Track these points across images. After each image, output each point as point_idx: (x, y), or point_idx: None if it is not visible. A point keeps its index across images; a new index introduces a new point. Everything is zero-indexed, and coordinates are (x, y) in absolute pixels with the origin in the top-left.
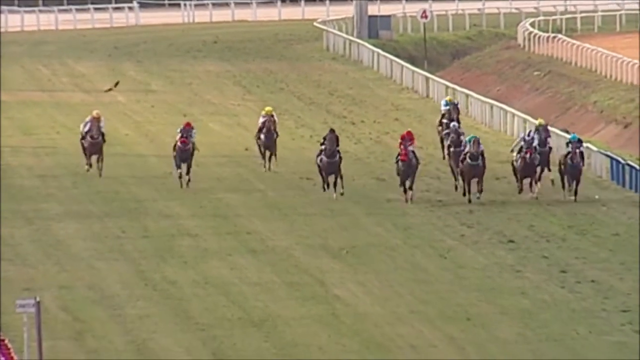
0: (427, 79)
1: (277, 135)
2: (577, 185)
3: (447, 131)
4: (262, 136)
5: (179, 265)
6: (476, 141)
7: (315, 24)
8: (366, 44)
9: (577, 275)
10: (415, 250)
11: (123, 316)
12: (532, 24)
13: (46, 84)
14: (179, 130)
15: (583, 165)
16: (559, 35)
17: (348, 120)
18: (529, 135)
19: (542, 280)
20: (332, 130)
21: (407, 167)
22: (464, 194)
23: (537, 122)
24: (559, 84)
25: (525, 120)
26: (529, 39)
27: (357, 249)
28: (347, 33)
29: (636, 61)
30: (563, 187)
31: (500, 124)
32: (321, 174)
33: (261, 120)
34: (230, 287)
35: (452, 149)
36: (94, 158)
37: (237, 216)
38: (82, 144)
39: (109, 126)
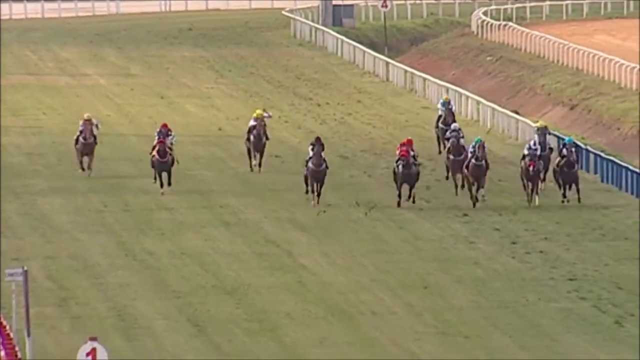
0: (387, 63)
1: (268, 139)
2: (576, 189)
3: (448, 137)
4: (252, 138)
5: (157, 237)
6: (481, 146)
7: (283, 12)
8: (330, 31)
9: (526, 246)
10: (376, 223)
11: (105, 284)
12: (485, 13)
13: (33, 68)
14: (156, 132)
15: (577, 161)
16: (510, 23)
17: (314, 102)
18: (534, 145)
19: (494, 251)
20: (317, 139)
21: (408, 173)
22: (471, 197)
23: (536, 124)
24: (510, 69)
25: (478, 102)
26: (482, 27)
27: (322, 222)
28: (312, 21)
29: (580, 47)
30: (560, 188)
31: (455, 105)
32: (306, 182)
33: (252, 123)
34: (204, 258)
35: (450, 157)
36: (86, 160)
37: (211, 191)
38: (76, 147)
39: (90, 107)
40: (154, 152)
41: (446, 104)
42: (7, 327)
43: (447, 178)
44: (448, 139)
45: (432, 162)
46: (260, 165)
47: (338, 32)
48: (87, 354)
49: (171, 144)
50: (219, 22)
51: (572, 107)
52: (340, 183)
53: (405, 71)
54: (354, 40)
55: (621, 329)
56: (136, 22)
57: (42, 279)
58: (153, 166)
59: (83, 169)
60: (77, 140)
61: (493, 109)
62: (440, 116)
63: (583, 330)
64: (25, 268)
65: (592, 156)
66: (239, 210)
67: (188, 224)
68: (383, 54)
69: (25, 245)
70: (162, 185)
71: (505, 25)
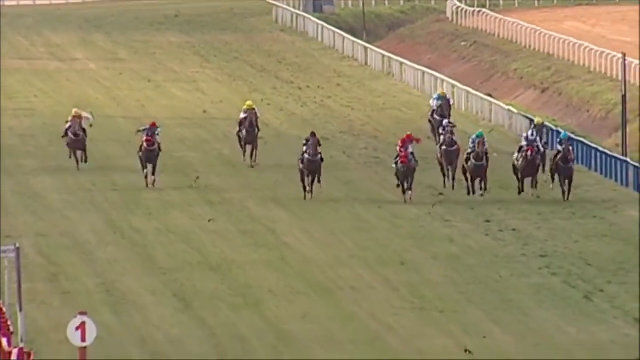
0: (365, 48)
1: (259, 130)
2: (569, 185)
3: (441, 131)
4: (244, 131)
5: (145, 216)
6: (481, 141)
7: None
8: (311, 17)
9: (500, 224)
10: (356, 202)
11: (94, 261)
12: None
13: (25, 53)
14: (143, 129)
15: (573, 161)
16: (484, 10)
17: (295, 86)
18: (532, 135)
19: (468, 228)
20: (313, 134)
21: (407, 169)
22: (468, 193)
23: (535, 120)
24: (484, 53)
25: (453, 86)
26: (457, 13)
27: (303, 201)
28: (294, 8)
29: (551, 33)
30: (552, 180)
31: (431, 88)
32: (302, 174)
33: (242, 115)
34: (190, 235)
35: (444, 148)
36: (79, 155)
37: (196, 171)
38: (64, 141)
39: (79, 91)
40: (142, 143)
41: (442, 97)
42: (0, 302)
43: (442, 172)
44: (442, 133)
45: None
46: (255, 158)
47: (318, 18)
48: (77, 328)
49: (157, 134)
50: (204, 8)
51: (543, 90)
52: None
53: (383, 56)
54: (333, 26)
55: (590, 303)
56: (124, 8)
57: (33, 256)
58: (141, 157)
59: (78, 163)
60: (66, 133)
61: (467, 92)
62: (434, 109)
63: (554, 305)
64: (18, 245)
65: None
66: (223, 190)
67: (174, 203)
68: (362, 39)
69: (17, 223)
70: (146, 176)
71: (479, 12)
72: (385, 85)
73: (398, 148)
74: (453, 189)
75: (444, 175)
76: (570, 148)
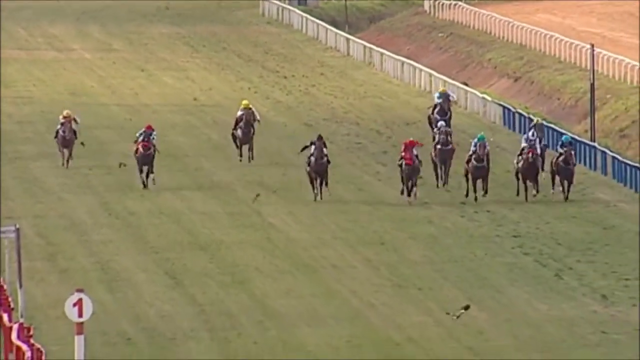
0: (347, 40)
1: (254, 130)
2: (569, 185)
3: (435, 131)
4: (239, 130)
5: (138, 198)
6: (482, 144)
7: None
8: (296, 10)
9: (474, 206)
10: (338, 185)
11: (89, 241)
12: None
13: (24, 43)
14: (139, 133)
15: (574, 165)
16: (460, 3)
17: (280, 75)
18: (533, 136)
19: (445, 210)
20: (319, 137)
21: (411, 170)
22: (467, 195)
23: (534, 120)
24: (459, 44)
25: (430, 75)
26: (434, 6)
27: (288, 184)
28: (280, 1)
29: (524, 24)
30: (553, 186)
31: (410, 77)
32: (310, 176)
33: (239, 113)
34: (180, 216)
35: (439, 147)
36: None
37: (186, 156)
38: (56, 141)
39: (75, 79)
40: (138, 146)
41: (443, 95)
42: (1, 280)
43: (435, 171)
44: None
45: (388, 130)
46: (252, 157)
47: (303, 11)
48: (74, 304)
49: (152, 138)
50: (193, 2)
51: (516, 79)
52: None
53: (364, 47)
54: (317, 18)
55: (560, 281)
56: (118, 1)
57: (32, 236)
58: (137, 160)
59: (65, 164)
60: (57, 134)
61: (444, 81)
62: (435, 106)
63: (526, 283)
64: (18, 226)
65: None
66: (212, 173)
67: (166, 185)
68: (344, 31)
69: (17, 205)
70: (145, 185)
71: (455, 5)
72: (366, 74)
73: (401, 151)
74: (444, 186)
75: (436, 174)
76: (572, 152)
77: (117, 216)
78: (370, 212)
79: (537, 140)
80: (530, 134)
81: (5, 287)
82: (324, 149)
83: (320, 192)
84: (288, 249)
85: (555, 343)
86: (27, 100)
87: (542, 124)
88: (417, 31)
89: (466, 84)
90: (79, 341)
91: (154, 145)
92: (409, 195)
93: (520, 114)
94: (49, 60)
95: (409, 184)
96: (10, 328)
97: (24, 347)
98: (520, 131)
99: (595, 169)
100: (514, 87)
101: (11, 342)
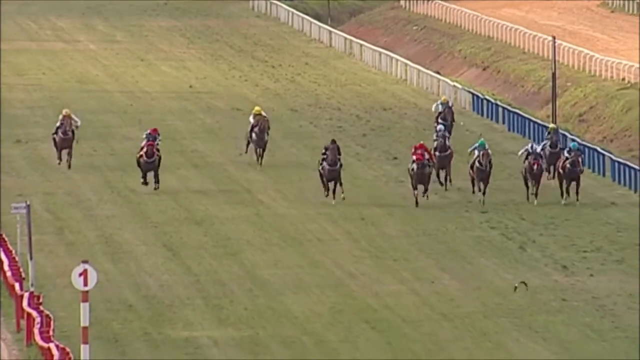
0: (330, 32)
1: (269, 135)
2: (577, 187)
3: (434, 137)
4: (254, 135)
5: (138, 177)
6: (486, 154)
7: None
8: (283, 4)
9: (448, 185)
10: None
11: (94, 216)
12: None
13: (34, 35)
14: (144, 135)
15: (582, 171)
16: None
17: (269, 64)
18: (531, 148)
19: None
20: (333, 141)
21: (422, 167)
22: (474, 192)
23: (550, 126)
24: (432, 36)
25: (406, 64)
26: (409, 1)
27: (276, 165)
28: None
29: (491, 18)
30: (562, 193)
31: (387, 67)
32: (322, 180)
33: (252, 120)
34: (177, 194)
35: (437, 154)
36: (64, 153)
37: (183, 138)
38: (54, 139)
39: (82, 69)
40: (142, 152)
41: (445, 104)
42: (13, 252)
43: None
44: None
45: (367, 115)
46: (262, 160)
47: (289, 6)
48: (80, 274)
49: (157, 143)
50: None
51: (484, 68)
52: (291, 132)
53: (345, 38)
54: (302, 12)
55: (524, 253)
56: None
57: (41, 212)
58: (139, 166)
59: (60, 159)
60: (56, 132)
61: (418, 70)
62: (440, 113)
63: (493, 254)
64: (28, 202)
65: (500, 109)
66: (206, 154)
67: (164, 165)
68: (326, 24)
69: (27, 183)
70: (147, 184)
71: (429, 0)
72: (347, 64)
73: (412, 154)
74: (446, 189)
75: (438, 177)
76: (580, 158)
77: (120, 194)
78: (351, 190)
79: (549, 144)
80: (530, 145)
81: (17, 258)
82: (338, 155)
83: (334, 193)
84: (276, 223)
85: (520, 309)
86: (37, 87)
87: (557, 129)
88: (393, 24)
89: (438, 73)
90: (84, 308)
91: (158, 150)
92: (416, 192)
93: (488, 100)
94: (57, 50)
95: (420, 185)
96: (22, 296)
97: (34, 313)
98: (487, 116)
99: None
100: (482, 75)
101: (22, 309)
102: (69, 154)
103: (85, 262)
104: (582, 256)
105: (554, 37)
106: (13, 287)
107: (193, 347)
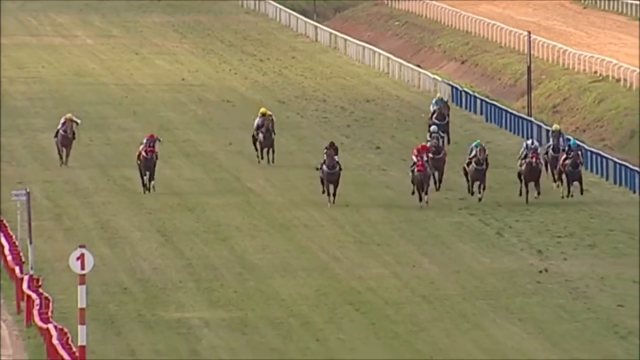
0: (315, 27)
1: (275, 134)
2: (580, 184)
3: (428, 138)
4: (260, 135)
5: (132, 166)
6: (482, 149)
7: None
8: (271, 1)
9: None
10: (307, 154)
11: (91, 203)
12: None
13: (34, 31)
14: (144, 140)
15: (582, 163)
16: None
17: (257, 58)
18: (532, 144)
19: (401, 176)
20: (331, 143)
21: (423, 177)
22: (470, 193)
23: (552, 127)
24: (413, 31)
25: (388, 58)
26: None
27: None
28: None
29: (469, 14)
30: (569, 191)
31: (370, 60)
32: (322, 183)
33: (259, 120)
34: (170, 182)
35: (430, 155)
36: (64, 153)
37: (175, 129)
38: (55, 141)
39: (79, 63)
40: (142, 152)
41: (440, 101)
42: (13, 237)
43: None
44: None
45: (351, 106)
46: (273, 160)
47: (277, 2)
48: (77, 258)
49: (158, 139)
50: None
51: (462, 62)
52: (279, 122)
53: (330, 33)
54: (289, 8)
55: (501, 238)
56: None
57: (41, 199)
58: (139, 166)
59: (62, 162)
60: (57, 133)
61: (400, 63)
62: (434, 111)
63: (471, 239)
64: (28, 190)
65: (478, 101)
66: (197, 144)
67: (158, 154)
68: (312, 19)
69: (27, 172)
70: (147, 188)
71: None
72: (332, 58)
73: (414, 157)
74: (437, 190)
75: (433, 177)
76: (580, 153)
77: (115, 182)
78: None
79: (552, 147)
80: (529, 142)
81: (17, 243)
82: (336, 157)
83: (334, 196)
84: (264, 210)
85: (497, 292)
86: (37, 80)
87: (559, 131)
88: (376, 20)
89: (419, 66)
90: (81, 290)
91: (156, 152)
92: (420, 200)
93: (467, 92)
94: (56, 45)
95: (421, 190)
96: (22, 279)
97: (34, 295)
98: (466, 107)
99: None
100: (461, 68)
101: (22, 291)
102: (67, 154)
103: (82, 246)
104: (557, 241)
105: (529, 32)
106: (13, 270)
107: (185, 328)
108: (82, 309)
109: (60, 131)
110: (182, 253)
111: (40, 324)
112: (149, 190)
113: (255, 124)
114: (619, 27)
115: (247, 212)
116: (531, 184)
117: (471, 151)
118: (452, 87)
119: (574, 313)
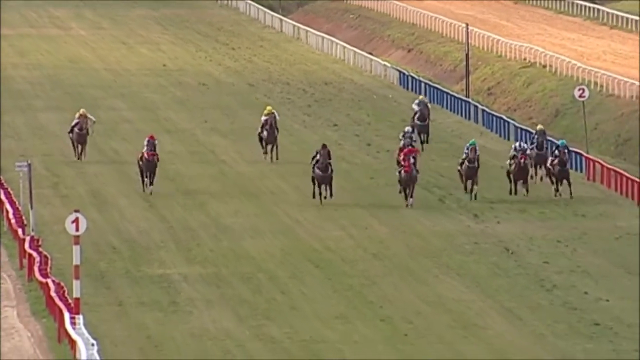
0: (281, 20)
1: (278, 131)
2: (569, 184)
3: (400, 137)
4: (265, 132)
5: (120, 141)
6: (474, 148)
7: None
8: None
9: (378, 147)
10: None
11: (84, 174)
12: None
13: (34, 23)
14: (145, 142)
15: (568, 160)
16: None
17: (229, 47)
18: (520, 146)
19: (354, 150)
20: (324, 146)
21: (409, 178)
22: (465, 190)
23: (537, 127)
24: (366, 23)
25: (344, 47)
26: None
27: (235, 130)
28: None
29: (415, 8)
30: (557, 190)
31: (328, 49)
32: (313, 183)
33: (263, 118)
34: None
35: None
36: (79, 149)
37: (157, 109)
38: (70, 137)
39: (74, 51)
40: (144, 154)
41: (422, 102)
42: (16, 203)
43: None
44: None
45: (312, 89)
46: (277, 156)
47: None
48: (72, 222)
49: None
50: None
51: (409, 50)
52: (249, 103)
53: (294, 25)
54: (258, 3)
55: (443, 204)
56: None
57: (40, 170)
58: (140, 167)
59: (79, 158)
60: (72, 130)
61: (354, 51)
62: (415, 113)
63: (416, 205)
64: (29, 162)
65: (422, 84)
66: (176, 122)
67: (143, 131)
68: (278, 13)
69: (28, 146)
70: (146, 186)
71: None
72: (295, 47)
73: (400, 159)
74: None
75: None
76: (566, 151)
77: (105, 154)
78: (297, 152)
79: (536, 145)
80: (518, 144)
81: (19, 208)
82: (328, 158)
83: (328, 194)
84: (236, 179)
85: (439, 250)
86: (37, 66)
87: (543, 130)
88: (334, 13)
89: (371, 54)
90: (76, 250)
91: (157, 154)
92: (406, 198)
93: (412, 77)
94: (53, 36)
95: (407, 191)
96: (24, 239)
97: (34, 254)
98: (412, 89)
99: (469, 119)
100: (408, 56)
101: (24, 250)
102: (83, 149)
103: (77, 211)
104: (490, 207)
105: (467, 24)
106: (16, 231)
107: (166, 282)
108: (76, 266)
109: (76, 129)
110: (163, 217)
111: (40, 278)
112: (149, 192)
113: (261, 122)
114: (545, 19)
115: (220, 181)
116: (520, 182)
117: (467, 154)
118: (400, 72)
119: (506, 269)
